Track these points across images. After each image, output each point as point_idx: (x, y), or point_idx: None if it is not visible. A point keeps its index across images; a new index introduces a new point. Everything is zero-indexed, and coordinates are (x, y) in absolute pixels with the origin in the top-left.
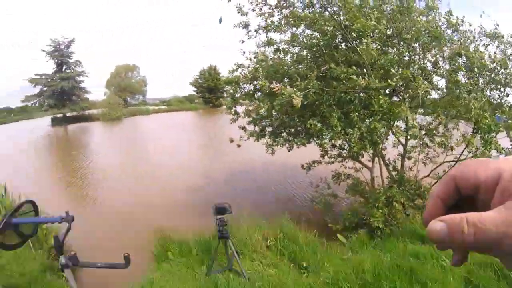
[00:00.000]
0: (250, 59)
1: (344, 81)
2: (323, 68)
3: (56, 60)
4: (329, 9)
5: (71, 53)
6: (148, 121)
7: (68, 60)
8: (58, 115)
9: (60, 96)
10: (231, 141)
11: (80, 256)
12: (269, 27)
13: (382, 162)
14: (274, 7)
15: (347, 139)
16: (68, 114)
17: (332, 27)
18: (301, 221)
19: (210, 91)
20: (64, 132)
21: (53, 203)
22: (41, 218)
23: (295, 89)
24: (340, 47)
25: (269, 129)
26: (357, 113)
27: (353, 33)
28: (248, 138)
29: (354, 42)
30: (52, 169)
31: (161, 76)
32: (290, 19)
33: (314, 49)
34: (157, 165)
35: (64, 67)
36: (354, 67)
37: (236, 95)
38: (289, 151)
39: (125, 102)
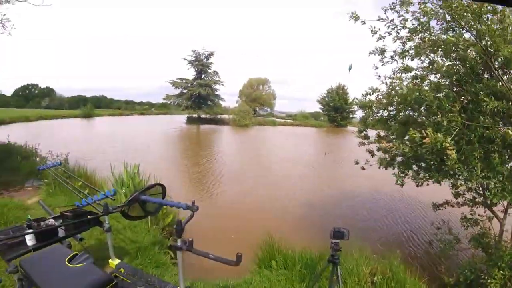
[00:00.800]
0: (386, 84)
1: (490, 116)
2: (464, 100)
3: (196, 69)
4: (470, 32)
5: (210, 64)
6: (273, 132)
7: (207, 69)
8: (193, 115)
9: (197, 99)
10: (356, 163)
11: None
12: (406, 53)
13: None
14: (412, 31)
15: (485, 184)
16: (202, 116)
17: (474, 53)
18: (413, 264)
19: (335, 110)
20: (197, 130)
21: (175, 189)
22: (167, 201)
23: (444, 137)
24: (482, 76)
25: (399, 158)
26: (498, 154)
27: (498, 60)
28: (377, 165)
29: (498, 71)
30: (181, 159)
31: (290, 92)
32: (428, 45)
33: (454, 78)
34: (275, 172)
35: (203, 75)
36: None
37: (368, 120)
38: (417, 186)
39: (254, 112)
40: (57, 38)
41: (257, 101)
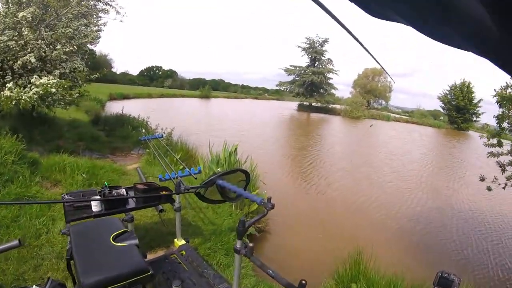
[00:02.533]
0: None
1: None
2: None
3: (310, 56)
4: None
5: (325, 51)
6: (386, 128)
7: (321, 57)
8: (305, 103)
9: (309, 87)
10: (482, 179)
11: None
12: None
13: None
14: None
15: None
16: (313, 104)
17: None
18: None
19: (458, 110)
20: (307, 117)
21: (274, 173)
22: (242, 191)
23: None
24: None
25: None
26: None
27: None
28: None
29: None
30: (286, 145)
31: (408, 86)
32: None
33: None
34: (380, 175)
35: (317, 63)
36: None
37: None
38: None
39: (368, 104)
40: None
41: (371, 93)
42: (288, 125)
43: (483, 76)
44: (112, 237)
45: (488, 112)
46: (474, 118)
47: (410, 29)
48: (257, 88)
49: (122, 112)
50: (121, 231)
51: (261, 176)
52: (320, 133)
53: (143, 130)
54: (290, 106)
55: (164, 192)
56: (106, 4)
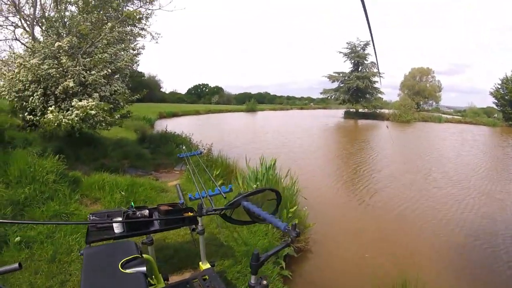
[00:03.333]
0: None
1: None
2: None
3: (352, 61)
4: None
5: (367, 55)
6: (439, 130)
7: (364, 61)
8: (351, 109)
9: (355, 93)
10: None
11: None
12: None
13: None
14: None
15: None
16: (360, 110)
17: None
18: None
19: None
20: (355, 124)
21: (317, 185)
22: (267, 214)
23: None
24: None
25: None
26: None
27: None
28: None
29: None
30: (332, 158)
31: (458, 83)
32: None
33: None
34: (437, 183)
35: (360, 67)
36: None
37: None
38: None
39: (418, 106)
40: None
41: (420, 94)
42: (333, 133)
43: None
44: (122, 262)
45: None
46: None
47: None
48: (302, 98)
49: (166, 130)
50: (132, 256)
51: (302, 190)
52: (367, 140)
53: (184, 147)
54: (336, 114)
55: (187, 214)
56: (142, 29)
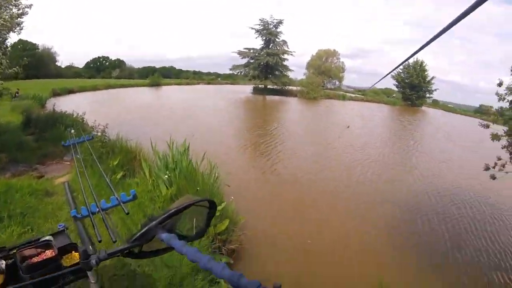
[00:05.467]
0: None
1: None
2: None
3: (264, 38)
4: None
5: (279, 33)
6: (343, 107)
7: (276, 38)
8: (260, 86)
9: (264, 69)
10: (487, 168)
11: None
12: None
13: None
14: None
15: None
16: (269, 86)
17: None
18: None
19: (411, 88)
20: (263, 100)
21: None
22: (203, 258)
23: None
24: None
25: None
26: None
27: None
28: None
29: None
30: (244, 131)
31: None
32: None
33: None
34: (344, 155)
35: (271, 44)
36: None
37: None
38: None
39: (323, 85)
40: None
41: (325, 74)
42: (244, 109)
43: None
44: None
45: (441, 89)
46: (427, 95)
47: None
48: (209, 74)
49: (54, 109)
50: None
51: (224, 177)
52: (280, 116)
53: (72, 131)
54: (245, 90)
55: (68, 259)
56: None
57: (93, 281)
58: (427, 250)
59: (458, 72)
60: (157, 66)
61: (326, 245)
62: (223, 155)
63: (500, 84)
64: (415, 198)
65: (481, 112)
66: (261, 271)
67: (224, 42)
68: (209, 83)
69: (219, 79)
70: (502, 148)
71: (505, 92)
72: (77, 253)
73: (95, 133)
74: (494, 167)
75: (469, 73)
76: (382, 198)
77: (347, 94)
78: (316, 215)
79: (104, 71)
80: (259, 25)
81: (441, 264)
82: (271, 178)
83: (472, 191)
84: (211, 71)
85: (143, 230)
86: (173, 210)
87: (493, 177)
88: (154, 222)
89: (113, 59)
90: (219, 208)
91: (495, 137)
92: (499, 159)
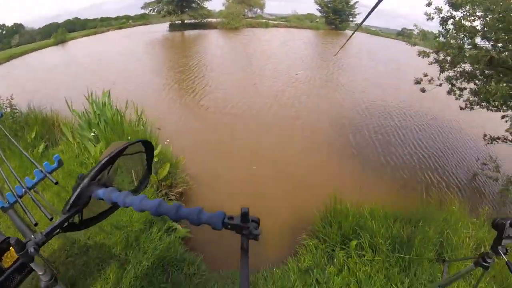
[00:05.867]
0: None
1: None
2: None
3: None
4: None
5: None
6: (267, 34)
7: None
8: (176, 22)
9: (179, 2)
10: (417, 82)
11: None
12: None
13: None
14: None
15: None
16: (186, 21)
17: None
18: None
19: (335, 12)
20: (181, 36)
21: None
22: (139, 200)
23: None
24: None
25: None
26: None
27: None
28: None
29: None
30: (164, 68)
31: None
32: None
33: None
34: (272, 80)
35: None
36: None
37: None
38: (463, 108)
39: (244, 14)
40: None
41: (245, 2)
42: (162, 48)
43: None
44: None
45: (364, 14)
46: (351, 19)
47: None
48: (118, 18)
49: None
50: None
51: (154, 121)
52: (200, 50)
53: None
54: (160, 29)
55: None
56: None
57: (41, 273)
58: (365, 159)
59: None
60: (60, 21)
61: (269, 167)
62: (148, 100)
63: (429, 4)
64: (345, 114)
65: (402, 34)
66: (217, 205)
67: None
68: (120, 28)
69: (131, 21)
70: (429, 64)
71: (434, 11)
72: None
73: (3, 110)
74: (420, 82)
75: None
76: (315, 118)
77: (270, 21)
78: (254, 140)
79: (1, 41)
80: None
81: (379, 169)
82: (201, 113)
83: (396, 104)
84: (121, 15)
85: (76, 193)
86: (104, 160)
87: (423, 90)
88: (85, 180)
89: (9, 25)
90: (156, 152)
91: (424, 53)
92: (425, 75)
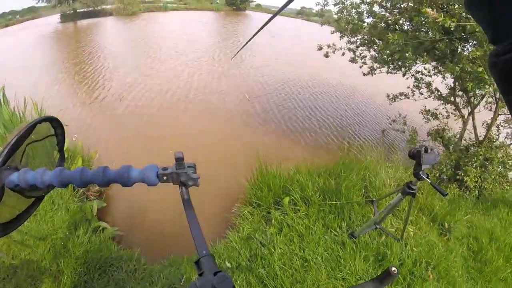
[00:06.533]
0: None
1: None
2: None
3: None
4: None
5: None
6: (167, 18)
7: None
8: (68, 12)
9: None
10: (319, 48)
11: None
12: None
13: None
14: None
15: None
16: (78, 10)
17: None
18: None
19: None
20: (74, 27)
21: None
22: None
23: None
24: None
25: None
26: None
27: None
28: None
29: None
30: (57, 64)
31: None
32: None
33: None
34: (170, 62)
35: None
36: None
37: None
38: (366, 74)
39: None
40: None
41: None
42: (52, 41)
43: None
44: None
45: None
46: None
47: None
48: (4, 14)
49: None
50: None
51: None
52: (94, 39)
53: None
54: (50, 21)
55: None
56: None
57: None
58: (284, 128)
59: None
60: None
61: (190, 147)
62: (45, 95)
63: None
64: (254, 87)
65: (302, 13)
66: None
67: None
68: (6, 26)
69: (18, 17)
70: (332, 33)
71: None
72: None
73: None
74: (322, 48)
75: None
76: (223, 97)
77: (169, 4)
78: (165, 125)
79: None
80: None
81: (295, 138)
82: (100, 104)
83: (297, 74)
84: (6, 11)
85: None
86: (14, 139)
87: (326, 55)
88: None
89: None
90: (65, 148)
91: (324, 22)
92: (329, 45)
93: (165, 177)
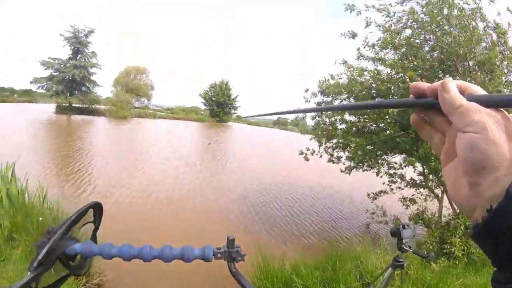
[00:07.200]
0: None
1: None
2: None
3: (72, 47)
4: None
5: (89, 43)
6: (155, 125)
7: (85, 49)
8: (64, 104)
9: (70, 84)
10: (301, 153)
11: None
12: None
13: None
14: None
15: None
16: (74, 105)
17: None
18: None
19: (218, 105)
20: (68, 119)
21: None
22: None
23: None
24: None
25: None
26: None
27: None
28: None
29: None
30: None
31: (168, 84)
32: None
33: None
34: (160, 165)
35: (79, 56)
36: None
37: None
38: (343, 170)
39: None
40: None
41: (134, 92)
42: (47, 130)
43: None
44: None
45: (244, 106)
46: (233, 111)
47: None
48: (3, 89)
49: None
50: None
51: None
52: (86, 137)
53: None
54: (46, 109)
55: None
56: None
57: None
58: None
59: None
60: None
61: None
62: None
63: (306, 90)
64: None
65: (278, 123)
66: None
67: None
68: (4, 101)
69: (15, 95)
70: (310, 139)
71: (310, 96)
72: None
73: None
74: (301, 153)
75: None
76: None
77: (158, 112)
78: (153, 222)
79: None
80: (69, 31)
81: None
82: (85, 201)
83: (279, 178)
84: (5, 86)
85: (47, 246)
86: (74, 216)
87: (306, 159)
88: (59, 232)
89: None
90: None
91: (304, 131)
92: (308, 149)
93: (219, 255)
